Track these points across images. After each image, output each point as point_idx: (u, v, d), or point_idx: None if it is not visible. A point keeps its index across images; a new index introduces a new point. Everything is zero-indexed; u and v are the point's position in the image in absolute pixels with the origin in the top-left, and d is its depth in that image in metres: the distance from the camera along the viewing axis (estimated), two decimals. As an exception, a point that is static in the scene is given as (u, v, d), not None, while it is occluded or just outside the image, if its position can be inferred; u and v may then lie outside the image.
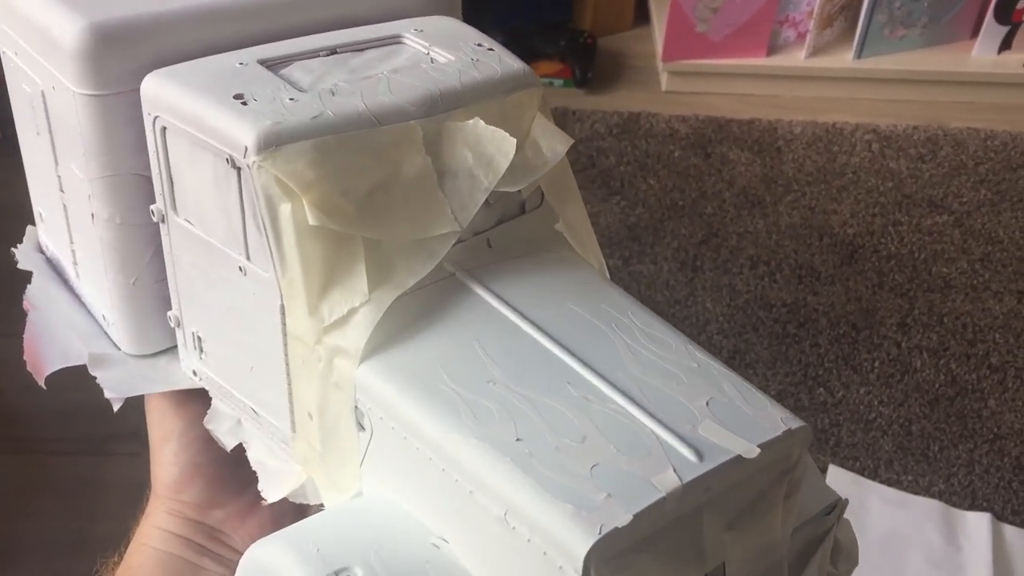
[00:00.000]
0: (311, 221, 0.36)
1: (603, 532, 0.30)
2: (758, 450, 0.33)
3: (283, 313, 0.39)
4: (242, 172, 0.37)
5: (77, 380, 0.48)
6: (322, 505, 0.42)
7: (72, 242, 0.49)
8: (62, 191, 0.47)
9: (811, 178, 1.67)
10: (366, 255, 0.37)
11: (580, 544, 0.30)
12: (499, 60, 0.42)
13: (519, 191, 0.42)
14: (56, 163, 0.46)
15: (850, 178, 1.68)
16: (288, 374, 0.40)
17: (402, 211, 0.38)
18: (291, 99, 0.38)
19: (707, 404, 0.35)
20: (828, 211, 1.61)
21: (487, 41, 0.43)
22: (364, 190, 0.37)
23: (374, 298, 0.37)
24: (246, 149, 0.36)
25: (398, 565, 0.35)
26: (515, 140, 0.39)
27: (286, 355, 0.40)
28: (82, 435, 1.21)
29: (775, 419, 0.34)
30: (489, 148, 0.39)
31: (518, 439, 0.33)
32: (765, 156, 1.72)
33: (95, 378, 0.46)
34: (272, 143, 0.36)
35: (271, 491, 0.44)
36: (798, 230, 1.58)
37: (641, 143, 1.73)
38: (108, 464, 1.14)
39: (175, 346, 0.48)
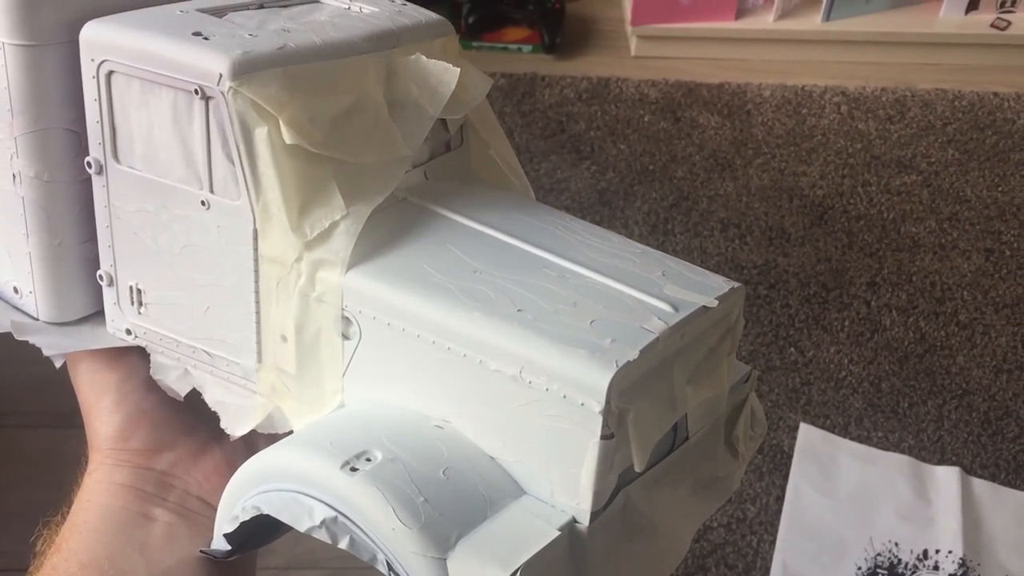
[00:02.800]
0: (287, 140, 0.38)
1: (619, 365, 0.35)
2: (716, 301, 0.39)
3: (255, 238, 0.40)
4: (211, 102, 0.39)
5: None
6: (290, 433, 0.42)
7: None
8: None
9: (780, 140, 1.67)
10: (335, 175, 0.39)
11: (602, 377, 0.35)
12: (418, 11, 0.46)
13: (446, 131, 0.47)
14: None
15: (819, 140, 1.68)
16: (257, 302, 0.41)
17: (361, 137, 0.40)
18: (250, 35, 0.40)
19: (663, 274, 0.41)
20: (798, 173, 1.61)
21: None
22: (328, 117, 0.39)
23: (352, 211, 0.40)
24: (220, 76, 0.38)
25: (410, 445, 0.38)
26: (458, 70, 0.42)
27: (256, 282, 0.41)
28: (49, 407, 1.19)
29: (719, 281, 0.41)
30: (431, 80, 0.42)
31: (519, 310, 0.37)
32: (735, 119, 1.71)
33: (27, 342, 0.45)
34: (246, 70, 0.38)
35: (236, 427, 0.44)
36: (768, 192, 1.58)
37: (611, 108, 1.72)
38: (76, 436, 1.12)
39: (96, 313, 0.47)
